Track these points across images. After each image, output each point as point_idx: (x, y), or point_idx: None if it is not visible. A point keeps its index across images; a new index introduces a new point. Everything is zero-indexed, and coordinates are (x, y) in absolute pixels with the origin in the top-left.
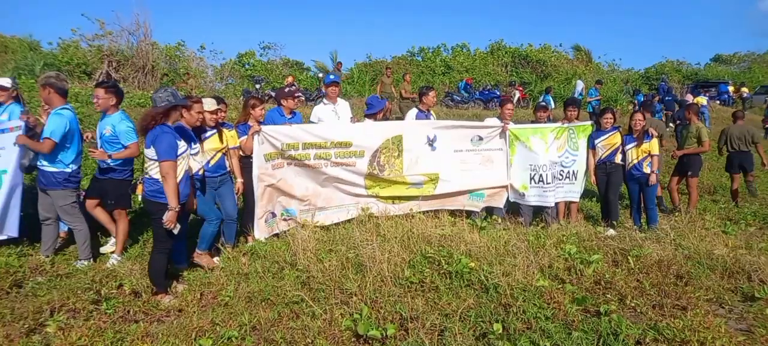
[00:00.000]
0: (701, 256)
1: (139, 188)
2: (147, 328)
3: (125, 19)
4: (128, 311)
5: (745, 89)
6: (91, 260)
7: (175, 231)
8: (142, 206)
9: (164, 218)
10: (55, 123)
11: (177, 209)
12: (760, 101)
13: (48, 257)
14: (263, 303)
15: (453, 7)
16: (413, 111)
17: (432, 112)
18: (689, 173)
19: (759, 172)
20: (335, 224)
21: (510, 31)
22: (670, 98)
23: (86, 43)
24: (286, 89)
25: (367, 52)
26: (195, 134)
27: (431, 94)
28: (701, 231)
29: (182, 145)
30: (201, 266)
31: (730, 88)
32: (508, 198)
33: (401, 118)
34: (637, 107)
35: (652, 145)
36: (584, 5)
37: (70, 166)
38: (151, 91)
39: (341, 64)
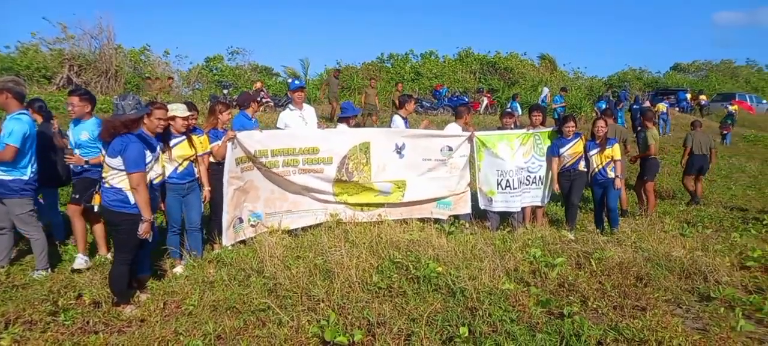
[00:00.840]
0: (660, 258)
1: (97, 197)
2: (107, 339)
3: (88, 23)
4: (87, 322)
5: (703, 97)
6: (49, 269)
7: (151, 239)
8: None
9: (140, 229)
10: (14, 127)
11: (151, 219)
12: (716, 108)
13: (3, 267)
14: (229, 312)
15: (422, 14)
16: (399, 119)
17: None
18: (645, 178)
19: (716, 176)
20: (303, 230)
21: (478, 38)
22: (637, 106)
23: (46, 46)
24: (251, 94)
25: (337, 58)
26: (162, 141)
27: (412, 102)
28: (660, 234)
29: (148, 154)
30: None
31: (688, 96)
32: (478, 203)
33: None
34: (599, 114)
35: (615, 151)
36: (549, 15)
37: (27, 173)
38: (114, 96)
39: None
